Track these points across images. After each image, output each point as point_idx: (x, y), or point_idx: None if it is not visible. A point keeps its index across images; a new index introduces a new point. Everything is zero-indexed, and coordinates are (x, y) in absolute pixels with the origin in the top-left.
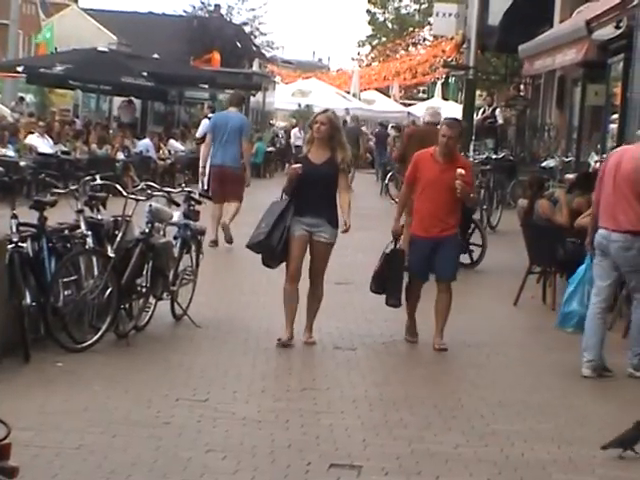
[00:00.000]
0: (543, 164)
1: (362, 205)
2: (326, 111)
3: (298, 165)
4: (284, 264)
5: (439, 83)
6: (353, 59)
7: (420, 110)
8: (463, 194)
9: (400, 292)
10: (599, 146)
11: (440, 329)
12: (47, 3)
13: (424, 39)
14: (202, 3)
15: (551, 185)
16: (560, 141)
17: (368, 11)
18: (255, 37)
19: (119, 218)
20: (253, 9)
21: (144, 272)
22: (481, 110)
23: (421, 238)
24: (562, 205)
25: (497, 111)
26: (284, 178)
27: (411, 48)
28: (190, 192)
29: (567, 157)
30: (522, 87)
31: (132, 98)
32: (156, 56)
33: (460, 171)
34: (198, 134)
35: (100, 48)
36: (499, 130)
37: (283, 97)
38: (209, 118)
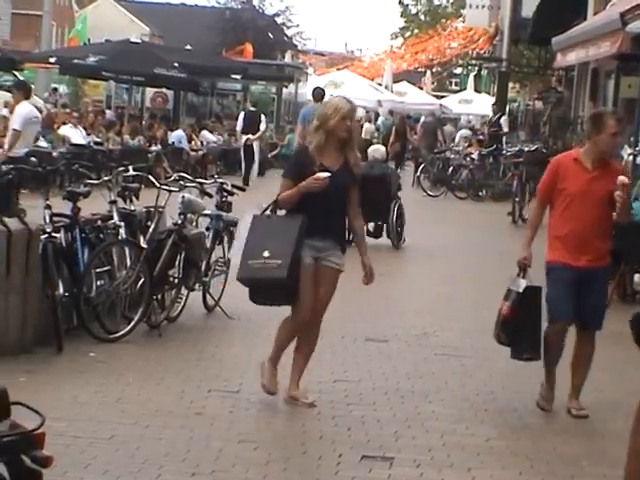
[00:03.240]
0: None
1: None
2: (349, 102)
3: (326, 175)
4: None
5: (471, 75)
6: (385, 51)
7: (452, 102)
8: (623, 211)
9: (540, 341)
10: (632, 139)
11: (577, 390)
12: None
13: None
14: None
15: None
16: None
17: (400, 3)
18: (287, 28)
19: (152, 209)
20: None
21: (176, 263)
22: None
23: (566, 267)
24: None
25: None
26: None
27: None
28: (223, 183)
29: None
30: (554, 80)
31: (165, 89)
32: (188, 47)
33: (622, 179)
34: (238, 127)
35: (133, 39)
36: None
37: None
38: (249, 112)
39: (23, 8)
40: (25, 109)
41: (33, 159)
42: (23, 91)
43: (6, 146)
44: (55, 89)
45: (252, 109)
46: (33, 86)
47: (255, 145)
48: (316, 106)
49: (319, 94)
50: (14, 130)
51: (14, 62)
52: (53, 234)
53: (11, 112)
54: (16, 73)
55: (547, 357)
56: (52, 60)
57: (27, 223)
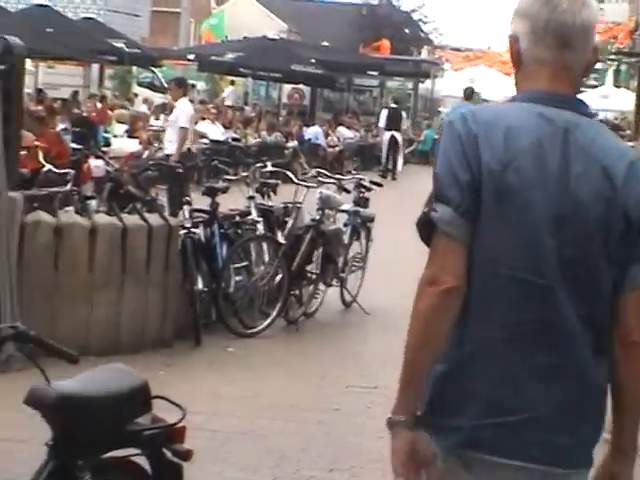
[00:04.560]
0: None
1: None
2: None
3: None
4: None
5: (610, 70)
6: None
7: (591, 98)
8: None
9: None
10: None
11: None
12: None
13: None
14: None
15: None
16: None
17: None
18: (424, 24)
19: (289, 205)
20: None
21: (314, 259)
22: None
23: None
24: None
25: None
26: None
27: None
28: (360, 179)
29: None
30: None
31: (301, 85)
32: (325, 44)
33: None
34: (381, 123)
35: (270, 36)
36: None
37: (452, 84)
38: (391, 109)
39: (162, 5)
40: (188, 106)
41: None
42: (183, 87)
43: (176, 144)
44: (193, 85)
45: (394, 106)
46: None
47: (399, 140)
48: (467, 104)
49: (470, 92)
50: (182, 128)
51: (153, 59)
52: (192, 229)
53: (168, 110)
54: (155, 70)
55: None
56: (190, 57)
57: (167, 218)
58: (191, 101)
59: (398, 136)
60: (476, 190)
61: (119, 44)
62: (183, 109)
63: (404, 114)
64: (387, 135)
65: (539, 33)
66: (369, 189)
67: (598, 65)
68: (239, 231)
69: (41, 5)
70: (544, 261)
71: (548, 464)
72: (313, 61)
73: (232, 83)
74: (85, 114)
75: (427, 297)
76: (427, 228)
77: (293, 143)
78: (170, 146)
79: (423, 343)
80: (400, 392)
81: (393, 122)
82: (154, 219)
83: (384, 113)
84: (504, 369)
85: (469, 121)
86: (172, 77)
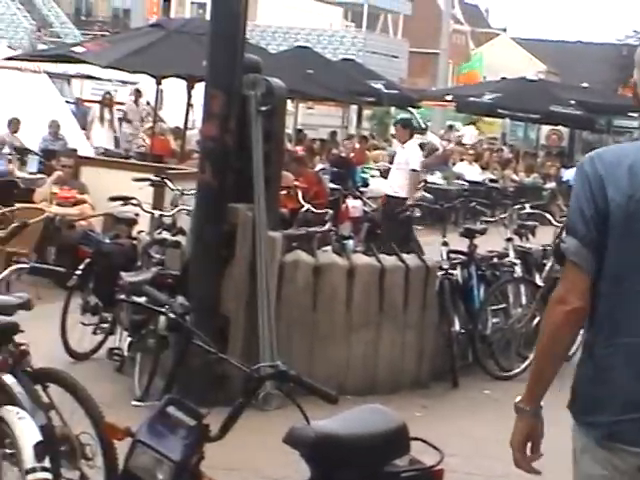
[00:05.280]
0: None
1: None
2: None
3: None
4: None
5: None
6: None
7: None
8: None
9: None
10: None
11: None
12: (477, 33)
13: None
14: (635, 31)
15: None
16: None
17: None
18: None
19: (548, 247)
20: None
21: None
22: None
23: None
24: None
25: None
26: None
27: None
28: None
29: None
30: None
31: (560, 127)
32: (585, 85)
33: None
34: None
35: (529, 77)
36: None
37: None
38: None
39: (420, 46)
40: (417, 148)
41: (428, 195)
42: (409, 129)
43: (408, 188)
44: (451, 126)
45: None
46: (430, 123)
47: None
48: None
49: None
50: (414, 171)
51: (411, 100)
52: (450, 271)
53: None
54: (413, 111)
55: None
56: (448, 98)
57: (424, 259)
58: (461, 143)
59: None
60: (602, 223)
61: (378, 85)
62: (413, 151)
63: None
64: None
65: None
66: None
67: None
68: (497, 273)
69: (302, 47)
70: None
71: None
72: (572, 102)
73: (473, 123)
74: (343, 154)
75: (555, 314)
76: (560, 255)
77: (551, 185)
78: (399, 190)
79: (549, 351)
80: (528, 387)
81: None
82: (411, 260)
83: None
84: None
85: (596, 163)
86: (429, 118)
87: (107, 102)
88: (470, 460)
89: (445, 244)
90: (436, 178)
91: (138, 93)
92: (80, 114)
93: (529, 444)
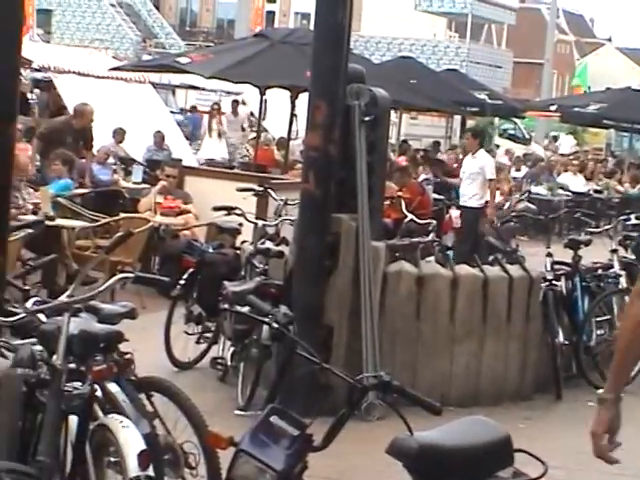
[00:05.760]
0: None
1: None
2: None
3: None
4: None
5: None
6: None
7: None
8: None
9: None
10: None
11: None
12: (582, 42)
13: None
14: None
15: None
16: None
17: None
18: None
19: None
20: None
21: None
22: None
23: None
24: None
25: None
26: None
27: None
28: None
29: None
30: None
31: None
32: None
33: None
34: None
35: (635, 87)
36: None
37: None
38: None
39: (524, 56)
40: (489, 157)
41: (532, 206)
42: (479, 138)
43: (487, 198)
44: (555, 137)
45: None
46: (533, 134)
47: None
48: None
49: None
50: (490, 180)
51: (515, 110)
52: (554, 282)
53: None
54: (516, 121)
55: None
56: (552, 108)
57: (528, 270)
58: (558, 153)
59: None
60: None
61: (481, 95)
62: (486, 161)
63: None
64: None
65: None
66: None
67: None
68: (601, 284)
69: (405, 57)
70: None
71: None
72: None
73: (571, 133)
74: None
75: (635, 307)
76: None
77: None
78: (473, 200)
79: (629, 342)
80: (610, 377)
81: None
82: (515, 270)
83: None
84: None
85: None
86: (532, 128)
87: (215, 112)
88: (573, 473)
89: (549, 255)
90: (540, 189)
91: (236, 104)
92: (191, 123)
93: (606, 435)
